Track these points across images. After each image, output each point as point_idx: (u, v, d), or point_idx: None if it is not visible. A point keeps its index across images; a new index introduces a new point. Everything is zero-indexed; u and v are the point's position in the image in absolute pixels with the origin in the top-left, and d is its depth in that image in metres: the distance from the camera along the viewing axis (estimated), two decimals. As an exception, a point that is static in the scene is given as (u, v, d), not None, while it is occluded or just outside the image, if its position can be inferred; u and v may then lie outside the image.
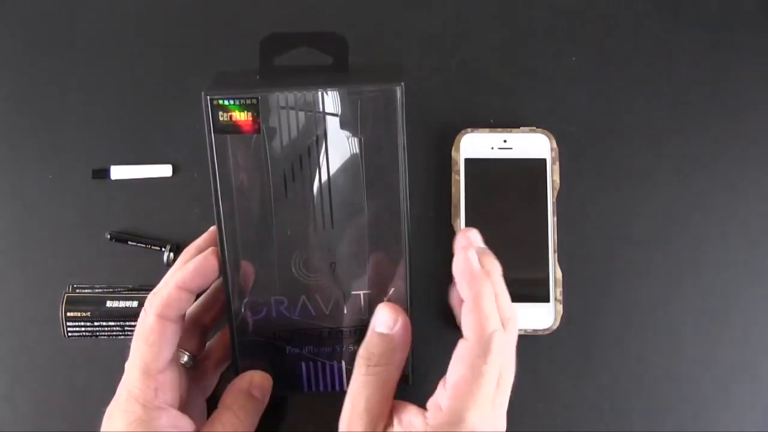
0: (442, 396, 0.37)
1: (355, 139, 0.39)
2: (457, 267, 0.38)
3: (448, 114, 0.51)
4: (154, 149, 0.51)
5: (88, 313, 0.46)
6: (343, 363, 0.43)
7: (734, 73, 0.52)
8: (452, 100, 0.51)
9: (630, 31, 0.52)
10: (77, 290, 0.48)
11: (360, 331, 0.42)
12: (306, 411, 0.48)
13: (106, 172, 0.50)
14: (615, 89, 0.52)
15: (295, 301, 0.41)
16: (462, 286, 0.38)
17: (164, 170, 0.50)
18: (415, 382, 0.43)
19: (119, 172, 0.50)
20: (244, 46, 0.52)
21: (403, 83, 0.38)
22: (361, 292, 0.41)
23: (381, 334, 0.39)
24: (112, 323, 0.46)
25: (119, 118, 0.51)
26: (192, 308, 0.44)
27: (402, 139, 0.39)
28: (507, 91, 0.52)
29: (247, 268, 0.41)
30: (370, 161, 0.39)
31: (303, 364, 0.43)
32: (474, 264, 0.38)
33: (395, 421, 0.38)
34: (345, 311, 0.42)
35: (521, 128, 0.50)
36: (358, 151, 0.39)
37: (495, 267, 0.39)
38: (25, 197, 0.50)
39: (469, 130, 0.50)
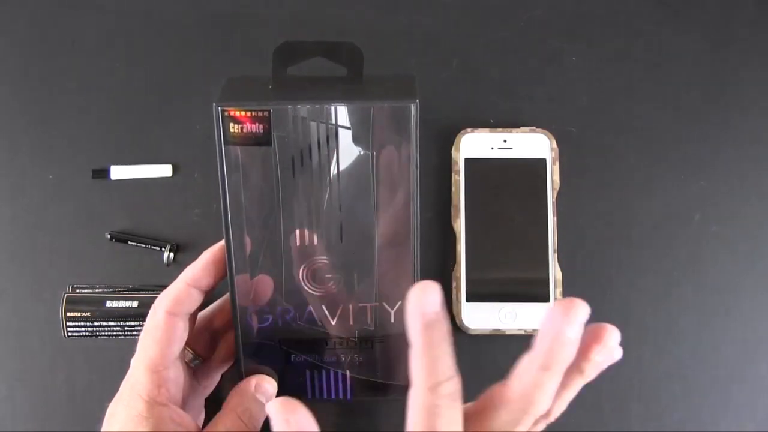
0: None
1: (368, 153, 0.38)
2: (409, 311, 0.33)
3: (448, 114, 0.51)
4: (154, 149, 0.51)
5: (88, 313, 0.46)
6: (348, 372, 0.43)
7: (734, 72, 0.52)
8: (452, 100, 0.51)
9: (630, 31, 0.52)
10: (77, 290, 0.48)
11: (366, 341, 0.42)
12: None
13: (106, 172, 0.50)
14: (615, 89, 0.52)
15: (302, 311, 0.41)
16: (409, 331, 0.33)
17: (164, 170, 0.50)
18: None
19: (119, 172, 0.50)
20: (246, 45, 0.52)
21: (417, 100, 0.37)
22: (369, 305, 0.41)
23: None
24: (112, 323, 0.46)
25: (119, 118, 0.51)
26: (205, 311, 0.44)
27: (415, 156, 0.38)
28: (507, 91, 0.52)
29: (254, 282, 0.40)
30: (382, 176, 0.39)
31: (307, 371, 0.43)
32: (429, 305, 0.32)
33: None
34: (351, 323, 0.42)
35: (521, 128, 0.50)
36: (369, 165, 0.39)
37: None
38: (25, 197, 0.50)
39: (469, 130, 0.50)
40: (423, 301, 0.32)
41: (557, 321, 0.32)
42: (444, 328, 0.32)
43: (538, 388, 0.33)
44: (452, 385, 0.32)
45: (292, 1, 0.53)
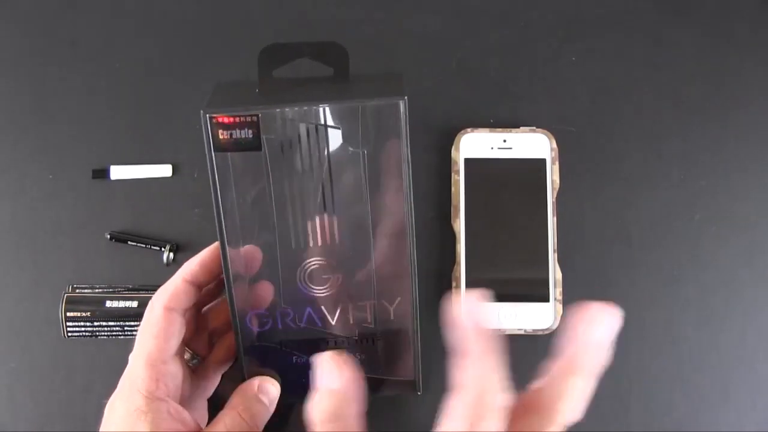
0: None
1: (358, 152, 0.38)
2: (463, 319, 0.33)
3: (448, 114, 0.51)
4: (154, 149, 0.51)
5: (88, 313, 0.46)
6: None
7: (734, 72, 0.52)
8: (452, 100, 0.51)
9: (629, 30, 0.52)
10: (77, 290, 0.48)
11: (367, 339, 0.42)
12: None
13: (106, 172, 0.50)
14: (615, 89, 0.52)
15: (301, 312, 0.41)
16: (458, 339, 0.33)
17: (164, 170, 0.50)
18: (423, 389, 0.43)
19: (119, 172, 0.50)
20: (245, 45, 0.52)
21: (406, 97, 0.37)
22: (368, 303, 0.41)
23: (329, 390, 0.35)
24: (112, 323, 0.46)
25: (119, 118, 0.51)
26: (203, 310, 0.45)
27: (406, 153, 0.38)
28: (507, 91, 0.52)
29: (253, 287, 0.40)
30: (374, 174, 0.39)
31: (309, 371, 0.42)
32: (477, 315, 0.33)
33: None
34: (351, 321, 0.42)
35: (521, 128, 0.50)
36: (361, 164, 0.39)
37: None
38: (25, 197, 0.50)
39: (469, 129, 0.50)
40: (475, 311, 0.33)
41: (580, 324, 0.32)
42: (493, 339, 0.32)
43: (564, 396, 0.33)
44: (502, 397, 0.32)
45: (292, 2, 0.53)
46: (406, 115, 0.38)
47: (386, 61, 0.52)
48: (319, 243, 0.40)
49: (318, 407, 0.35)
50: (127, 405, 0.38)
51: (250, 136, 0.37)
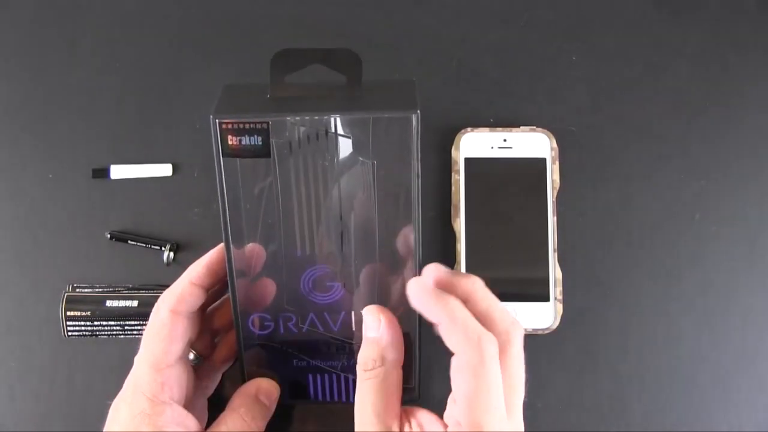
0: (456, 411, 0.36)
1: (368, 162, 0.38)
2: (415, 298, 0.37)
3: (448, 114, 0.51)
4: (154, 149, 0.51)
5: (88, 313, 0.46)
6: (350, 375, 0.42)
7: (734, 72, 0.52)
8: (452, 99, 0.51)
9: (630, 30, 0.52)
10: (77, 290, 0.48)
11: None
12: (313, 419, 0.48)
13: (106, 172, 0.50)
14: (615, 89, 0.52)
15: (304, 317, 0.41)
16: (429, 312, 0.36)
17: (164, 170, 0.50)
18: (422, 395, 0.43)
19: (119, 172, 0.50)
20: (245, 45, 0.52)
21: (419, 111, 0.36)
22: None
23: (368, 338, 0.38)
24: (112, 323, 0.46)
25: (119, 118, 0.51)
26: (207, 311, 0.44)
27: (416, 166, 0.38)
28: (507, 91, 0.52)
29: (256, 285, 0.40)
30: (383, 185, 0.38)
31: (309, 374, 0.42)
32: (428, 287, 0.37)
33: (413, 423, 0.37)
34: (354, 327, 0.41)
35: (521, 127, 0.50)
36: (370, 174, 0.38)
37: (473, 281, 0.37)
38: (25, 197, 0.50)
39: (469, 129, 0.50)
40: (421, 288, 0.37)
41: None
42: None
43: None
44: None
45: (291, 2, 0.53)
46: (418, 128, 0.37)
47: (386, 61, 0.52)
48: (325, 250, 0.40)
49: (360, 355, 0.38)
50: (131, 408, 0.38)
51: (260, 143, 0.37)
